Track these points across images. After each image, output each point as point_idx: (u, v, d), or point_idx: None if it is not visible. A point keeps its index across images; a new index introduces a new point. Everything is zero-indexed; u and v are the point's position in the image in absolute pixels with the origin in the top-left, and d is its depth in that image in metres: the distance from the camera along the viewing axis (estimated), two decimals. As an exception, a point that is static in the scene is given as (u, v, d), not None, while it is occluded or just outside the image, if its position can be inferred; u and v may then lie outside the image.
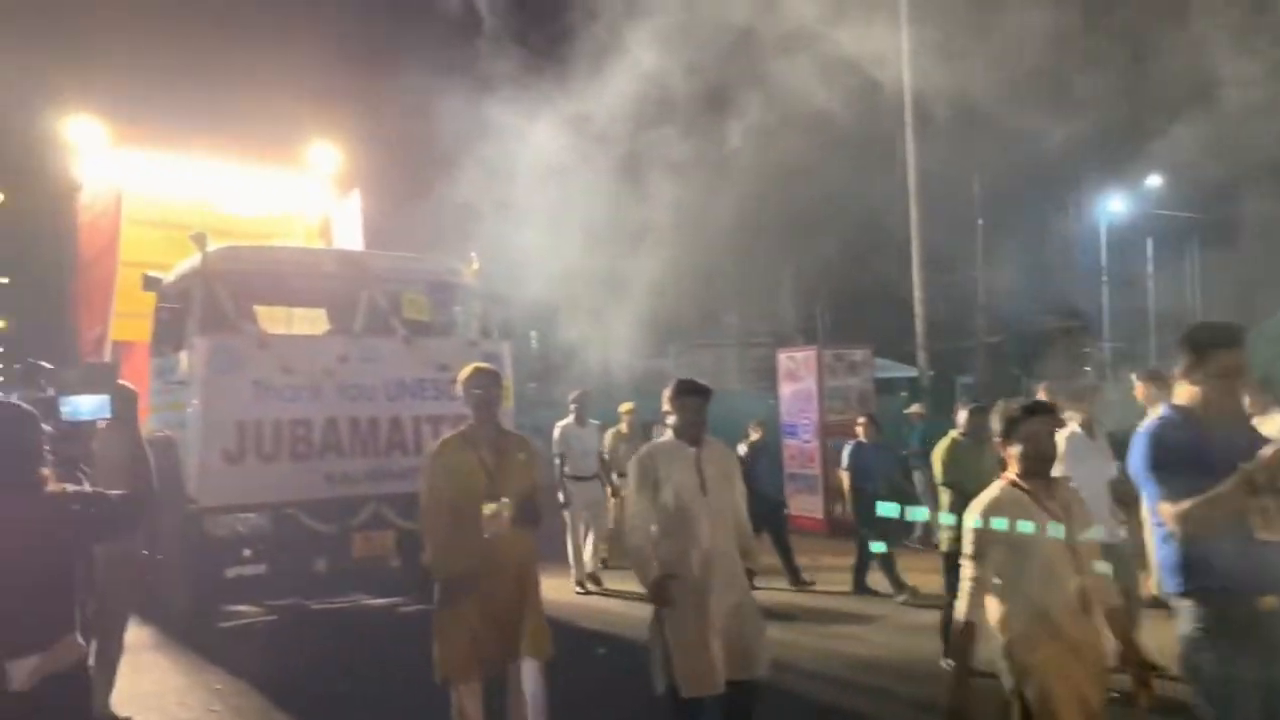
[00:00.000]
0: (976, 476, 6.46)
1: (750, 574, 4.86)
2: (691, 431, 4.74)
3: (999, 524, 3.29)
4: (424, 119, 12.81)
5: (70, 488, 3.33)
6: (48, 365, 9.23)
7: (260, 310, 9.34)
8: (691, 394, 4.77)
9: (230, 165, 12.27)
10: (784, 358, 15.79)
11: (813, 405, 14.63)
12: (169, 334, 8.80)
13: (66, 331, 12.02)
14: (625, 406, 11.61)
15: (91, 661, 4.23)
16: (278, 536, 8.10)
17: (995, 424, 3.56)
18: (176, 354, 8.54)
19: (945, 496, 6.81)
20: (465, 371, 5.09)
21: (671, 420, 4.79)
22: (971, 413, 7.02)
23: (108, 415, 3.72)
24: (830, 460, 13.69)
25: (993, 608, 3.35)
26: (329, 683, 7.09)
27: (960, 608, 3.33)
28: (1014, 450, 3.45)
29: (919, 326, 18.14)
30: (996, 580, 3.28)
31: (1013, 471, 3.47)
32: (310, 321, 10.03)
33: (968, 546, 3.34)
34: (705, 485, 4.65)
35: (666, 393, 4.82)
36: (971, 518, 3.37)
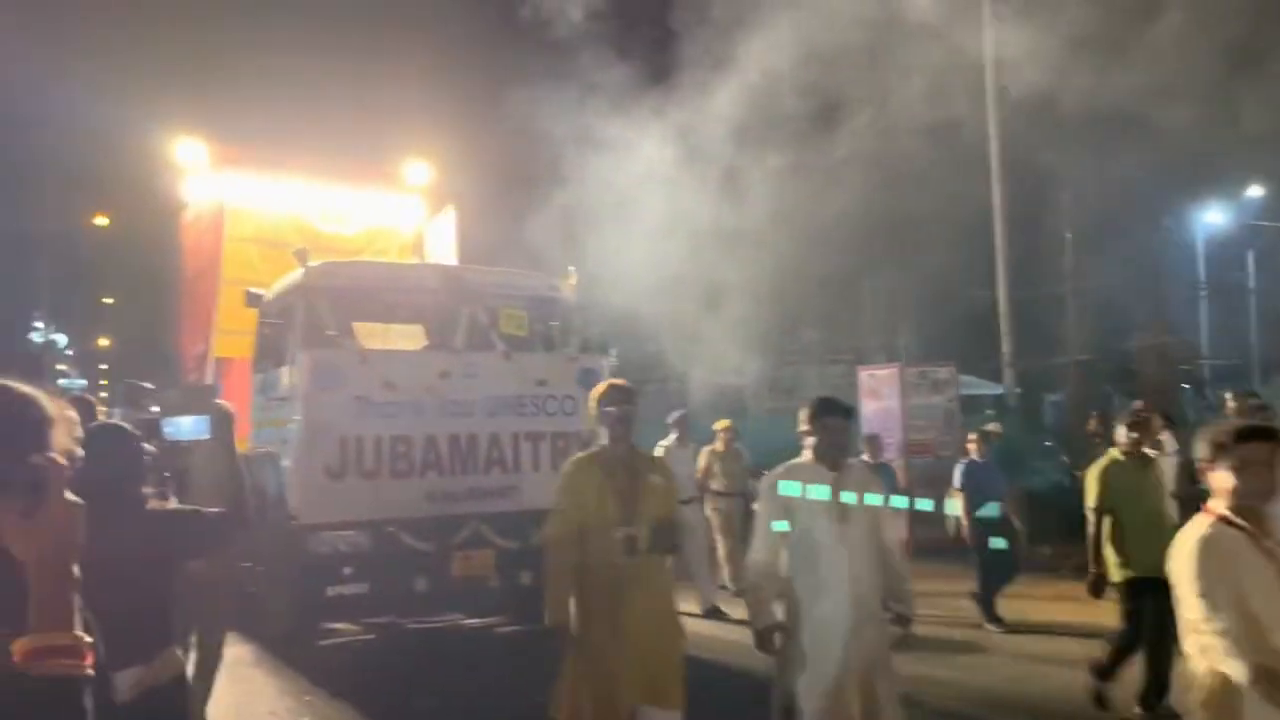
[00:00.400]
0: (1137, 502, 5.96)
1: (903, 621, 4.43)
2: (833, 455, 4.35)
3: (1220, 567, 2.86)
4: (516, 134, 12.68)
5: (170, 505, 3.49)
6: (149, 385, 9.26)
7: (357, 326, 9.20)
8: (834, 414, 4.39)
9: (327, 183, 12.26)
10: (865, 375, 15.41)
11: (896, 424, 14.18)
12: (271, 350, 8.71)
13: (169, 349, 12.08)
14: (721, 424, 11.24)
15: (190, 673, 4.35)
16: (378, 555, 7.90)
17: (1201, 448, 3.11)
18: (278, 370, 8.44)
19: (1103, 523, 6.08)
20: (599, 389, 4.76)
21: (811, 443, 4.39)
22: (1130, 425, 6.29)
23: (206, 435, 3.74)
24: (914, 480, 13.37)
25: (1208, 656, 2.90)
26: (419, 701, 6.90)
27: (1217, 665, 2.85)
28: (1225, 479, 3.01)
29: (1005, 343, 17.57)
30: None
31: (1222, 505, 3.03)
32: (406, 337, 9.88)
33: (1196, 591, 2.89)
34: (846, 513, 4.25)
35: (804, 412, 4.44)
36: (1190, 561, 2.92)
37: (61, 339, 47.44)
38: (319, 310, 8.16)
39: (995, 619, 8.76)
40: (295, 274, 8.45)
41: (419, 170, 12.59)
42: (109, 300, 45.45)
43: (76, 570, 1.52)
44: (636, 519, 4.42)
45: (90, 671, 1.50)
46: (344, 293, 8.35)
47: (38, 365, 38.16)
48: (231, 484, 3.66)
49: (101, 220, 37.79)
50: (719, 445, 11.09)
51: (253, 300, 9.25)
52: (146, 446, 3.69)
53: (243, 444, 10.59)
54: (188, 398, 3.81)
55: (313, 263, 8.32)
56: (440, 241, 12.23)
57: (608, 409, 4.61)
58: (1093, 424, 11.45)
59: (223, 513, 3.48)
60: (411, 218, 12.56)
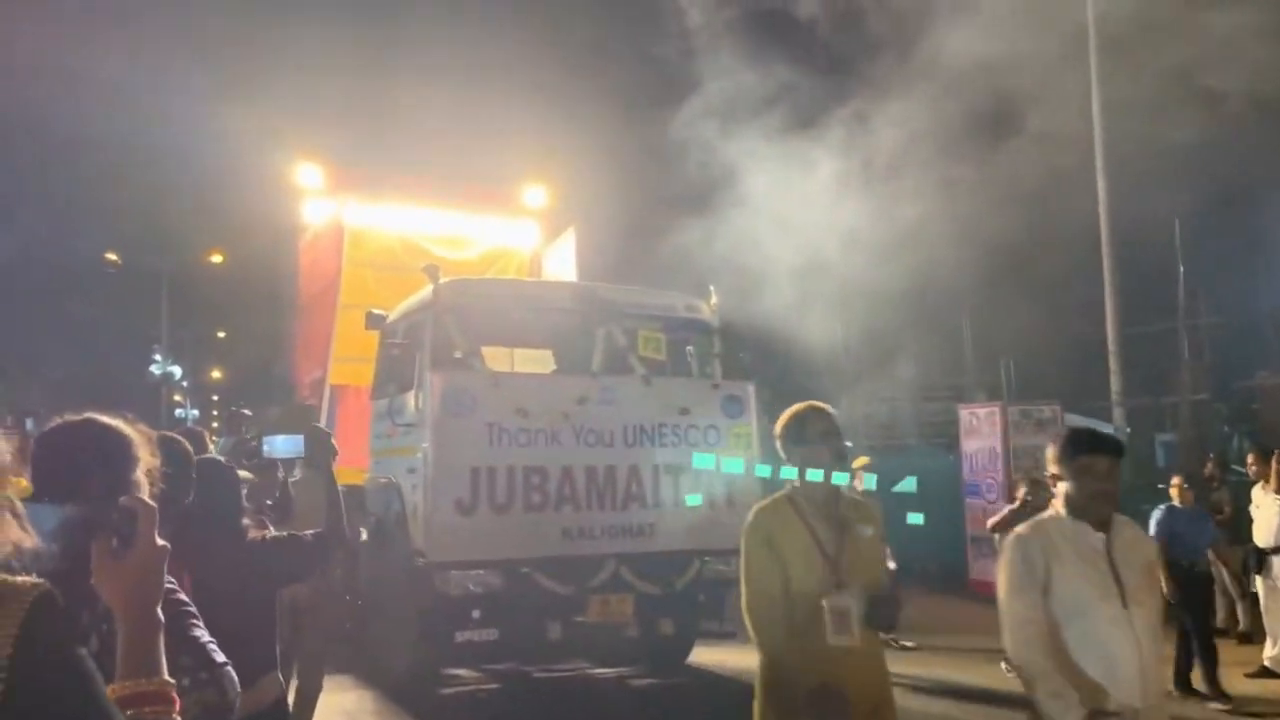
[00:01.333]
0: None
1: None
2: (1099, 508, 3.05)
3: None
4: (633, 157, 11.91)
5: (268, 533, 3.42)
6: (248, 412, 9.52)
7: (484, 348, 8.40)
8: (1099, 451, 3.08)
9: (443, 206, 11.64)
10: (965, 413, 14.52)
11: (997, 464, 13.32)
12: (394, 374, 7.95)
13: (284, 374, 11.50)
14: (860, 461, 10.14)
15: (291, 698, 4.33)
16: (510, 597, 7.01)
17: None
18: (403, 395, 7.66)
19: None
20: (796, 410, 3.57)
21: (1066, 488, 3.10)
22: None
23: (300, 453, 3.71)
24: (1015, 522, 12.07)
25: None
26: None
27: None
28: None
29: (1114, 380, 16.44)
30: None
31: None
32: (532, 361, 9.06)
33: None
34: (1124, 593, 2.99)
35: (1053, 450, 3.16)
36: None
37: (177, 371, 48.34)
38: (449, 330, 7.37)
39: (1221, 694, 7.36)
40: (423, 292, 7.70)
41: (536, 194, 11.92)
42: (221, 334, 46.29)
43: (161, 614, 1.46)
44: (848, 581, 3.29)
45: (178, 718, 1.42)
46: (475, 312, 7.55)
47: (156, 397, 38.89)
48: (328, 505, 3.58)
49: (217, 257, 38.43)
50: (856, 484, 9.96)
51: (374, 322, 8.55)
52: (244, 475, 3.78)
53: (359, 475, 9.91)
54: (285, 416, 4.13)
55: (443, 279, 7.52)
56: (560, 265, 11.49)
57: (807, 441, 3.41)
58: (1209, 467, 10.56)
59: (319, 534, 3.48)
60: (528, 241, 11.89)
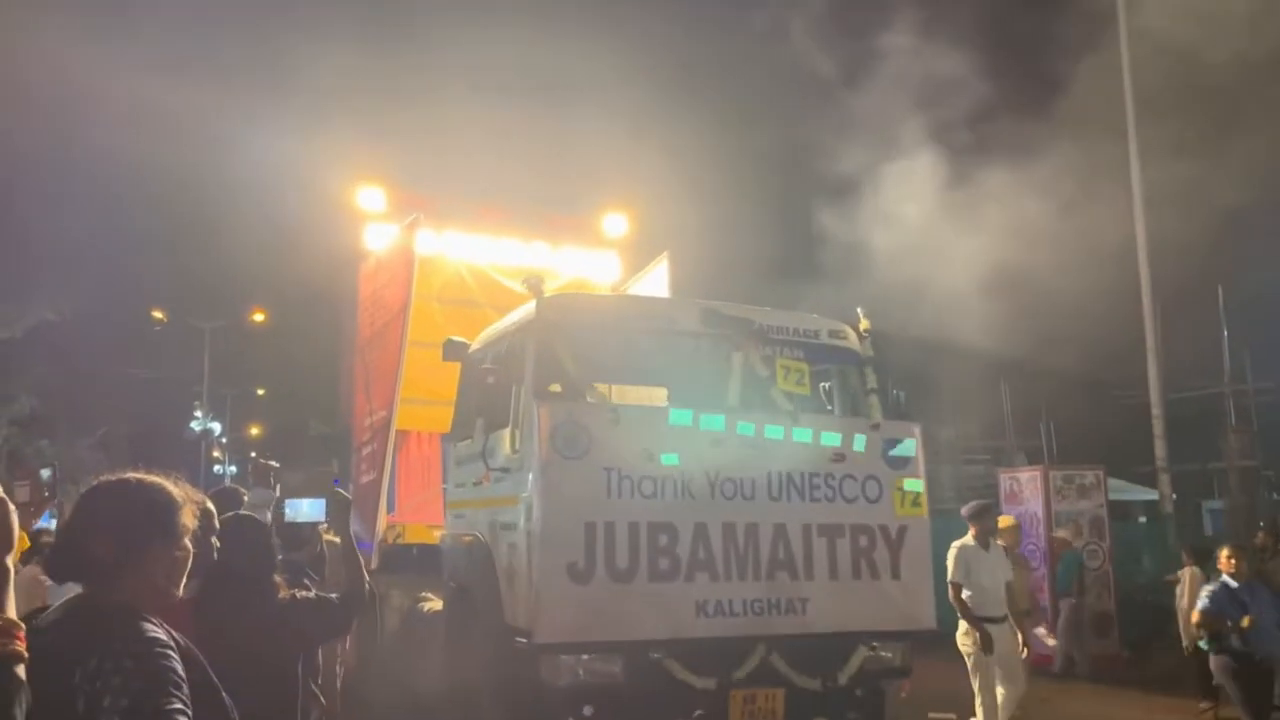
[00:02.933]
0: None
1: None
2: None
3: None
4: (719, 182, 10.40)
5: (299, 594, 3.30)
6: (275, 464, 8.31)
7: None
8: None
9: (516, 237, 10.13)
10: (1005, 478, 13.60)
11: (1039, 530, 12.41)
12: (483, 409, 6.31)
13: (342, 417, 9.87)
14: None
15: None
16: (634, 690, 5.28)
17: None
18: (495, 434, 5.99)
19: None
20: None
21: None
22: None
23: (323, 519, 3.63)
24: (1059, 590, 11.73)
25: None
26: None
27: None
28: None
29: (1159, 446, 15.34)
30: None
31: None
32: (638, 398, 7.39)
33: None
34: None
35: None
36: None
37: (217, 427, 47.37)
38: (556, 354, 5.72)
39: None
40: (523, 309, 6.10)
41: (617, 222, 10.41)
42: (261, 391, 45.17)
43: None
44: None
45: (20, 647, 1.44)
46: (587, 332, 5.92)
47: (195, 452, 37.75)
48: (348, 568, 3.51)
49: (259, 316, 37.63)
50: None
51: (454, 351, 6.96)
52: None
53: (426, 532, 8.22)
54: (308, 480, 3.64)
55: (547, 293, 5.91)
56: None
57: None
58: (1261, 536, 9.63)
59: (344, 596, 3.43)
60: (609, 274, 10.35)
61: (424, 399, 9.04)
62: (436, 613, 6.96)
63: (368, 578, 3.64)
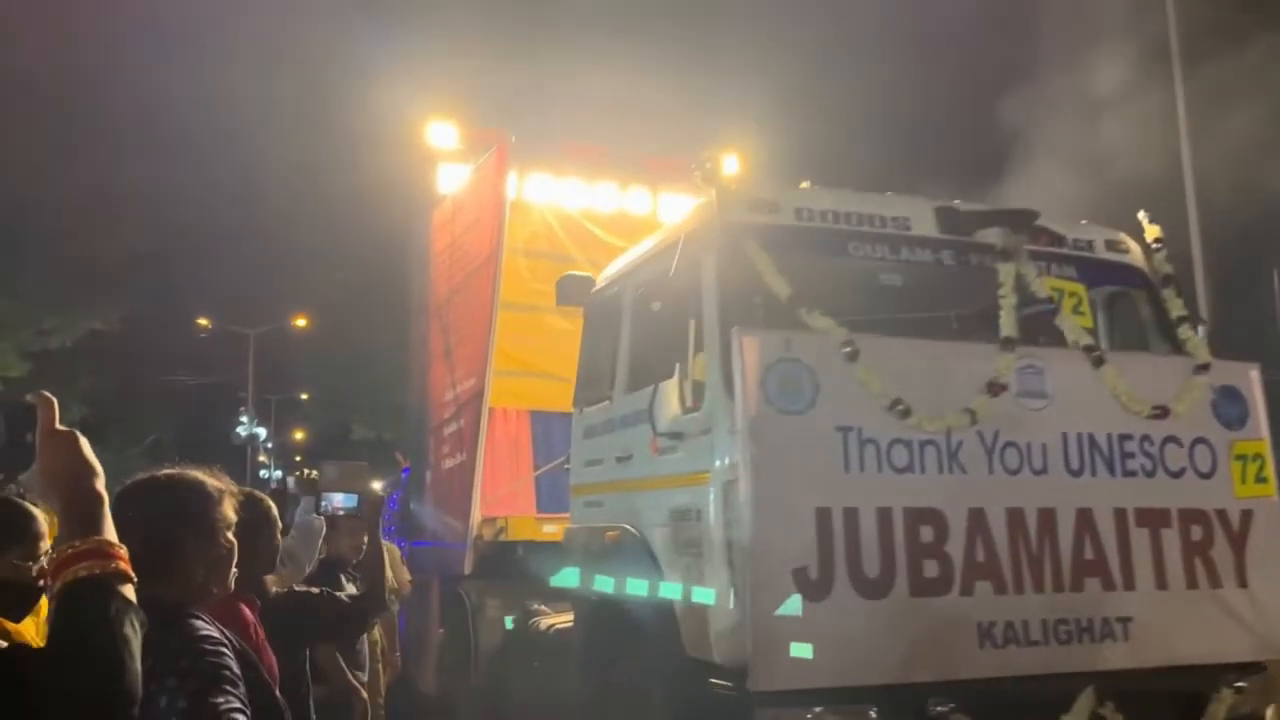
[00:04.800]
0: None
1: None
2: None
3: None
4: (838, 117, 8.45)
5: (298, 588, 3.18)
6: (315, 474, 6.72)
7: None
8: None
9: (613, 182, 8.22)
10: None
11: None
12: (622, 361, 4.40)
13: (415, 392, 8.03)
14: None
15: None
16: (905, 763, 3.30)
17: None
18: (659, 390, 4.07)
19: None
20: None
21: None
22: None
23: (356, 509, 3.56)
24: None
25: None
26: None
27: None
28: None
29: None
30: None
31: None
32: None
33: None
34: None
35: None
36: None
37: (262, 432, 46.34)
38: (751, 267, 3.80)
39: None
40: (693, 211, 4.22)
41: (727, 163, 8.46)
42: (304, 396, 43.99)
43: (102, 490, 1.37)
44: None
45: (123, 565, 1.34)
46: (794, 239, 3.98)
47: (242, 457, 36.90)
48: (369, 567, 3.33)
49: (302, 321, 36.64)
50: None
51: (573, 290, 5.10)
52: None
53: (532, 526, 6.36)
54: (343, 475, 3.97)
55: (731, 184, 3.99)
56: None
57: None
58: None
59: (358, 596, 3.31)
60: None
61: (511, 370, 7.23)
62: (562, 632, 5.07)
63: (401, 577, 3.64)
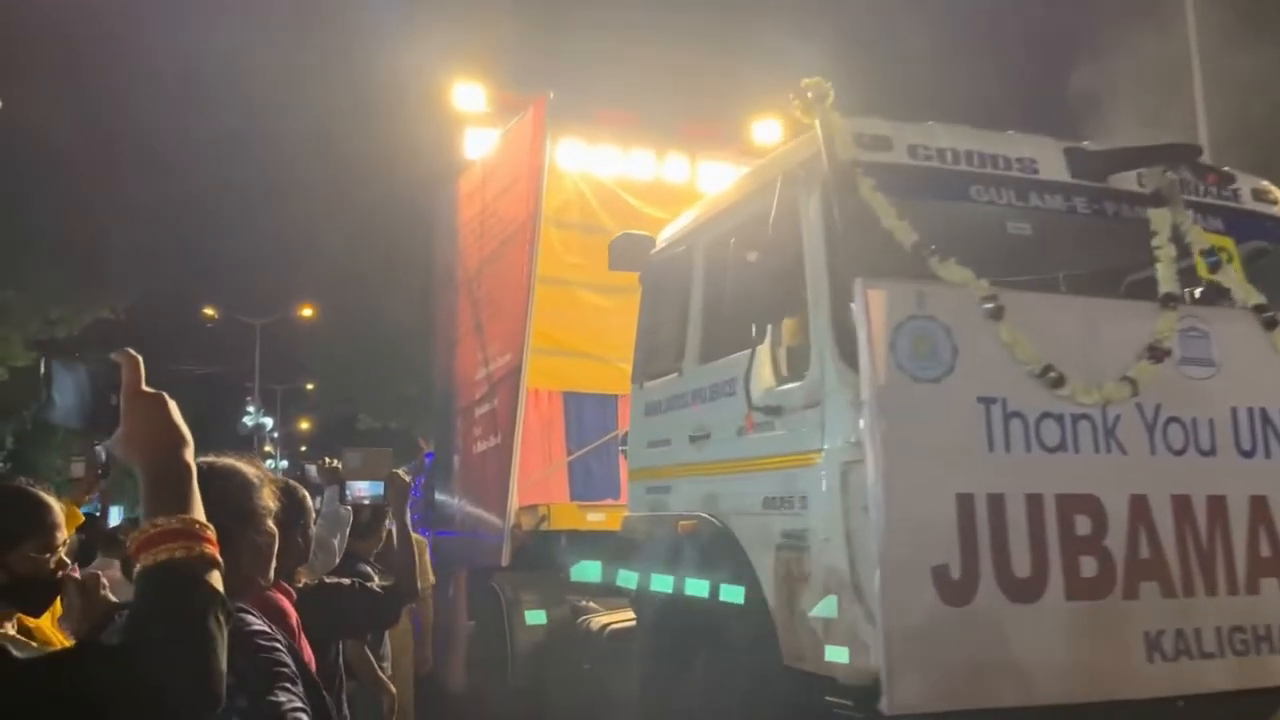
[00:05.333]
0: None
1: None
2: None
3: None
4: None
5: (329, 580, 2.99)
6: (337, 463, 5.13)
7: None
8: None
9: (649, 149, 7.59)
10: None
11: None
12: (693, 327, 3.79)
13: (441, 374, 7.44)
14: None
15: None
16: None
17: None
18: (749, 357, 3.46)
19: None
20: None
21: None
22: None
23: (380, 496, 3.43)
24: None
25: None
26: None
27: None
28: None
29: None
30: None
31: None
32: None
33: None
34: None
35: None
36: None
37: (269, 422, 45.90)
38: (866, 210, 3.18)
39: None
40: (791, 148, 3.60)
41: (770, 130, 7.82)
42: (310, 386, 43.59)
43: (190, 462, 1.27)
44: None
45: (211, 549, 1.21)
46: (908, 179, 3.35)
47: (249, 447, 36.76)
48: (400, 555, 3.18)
49: (308, 311, 36.16)
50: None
51: (629, 251, 4.49)
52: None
53: (574, 515, 5.76)
54: (366, 462, 3.51)
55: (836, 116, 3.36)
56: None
57: None
58: None
59: (389, 586, 3.15)
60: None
61: (542, 348, 6.63)
62: (620, 634, 4.47)
63: (425, 577, 3.69)
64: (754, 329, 3.38)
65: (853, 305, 2.93)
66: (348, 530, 3.59)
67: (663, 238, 4.51)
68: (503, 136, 6.73)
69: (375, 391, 29.68)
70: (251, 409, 41.68)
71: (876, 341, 2.87)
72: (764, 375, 3.41)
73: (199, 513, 1.20)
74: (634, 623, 4.31)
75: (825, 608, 2.98)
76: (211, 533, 1.20)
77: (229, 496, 1.67)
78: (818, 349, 3.18)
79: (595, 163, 7.38)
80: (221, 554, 1.49)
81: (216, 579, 1.17)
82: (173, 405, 1.26)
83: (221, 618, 1.14)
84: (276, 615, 1.95)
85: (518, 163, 6.29)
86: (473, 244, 6.96)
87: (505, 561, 5.56)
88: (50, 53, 13.88)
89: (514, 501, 5.62)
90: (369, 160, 12.67)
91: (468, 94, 7.32)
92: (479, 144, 7.22)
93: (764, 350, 3.42)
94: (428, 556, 5.78)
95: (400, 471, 3.49)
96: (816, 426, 3.13)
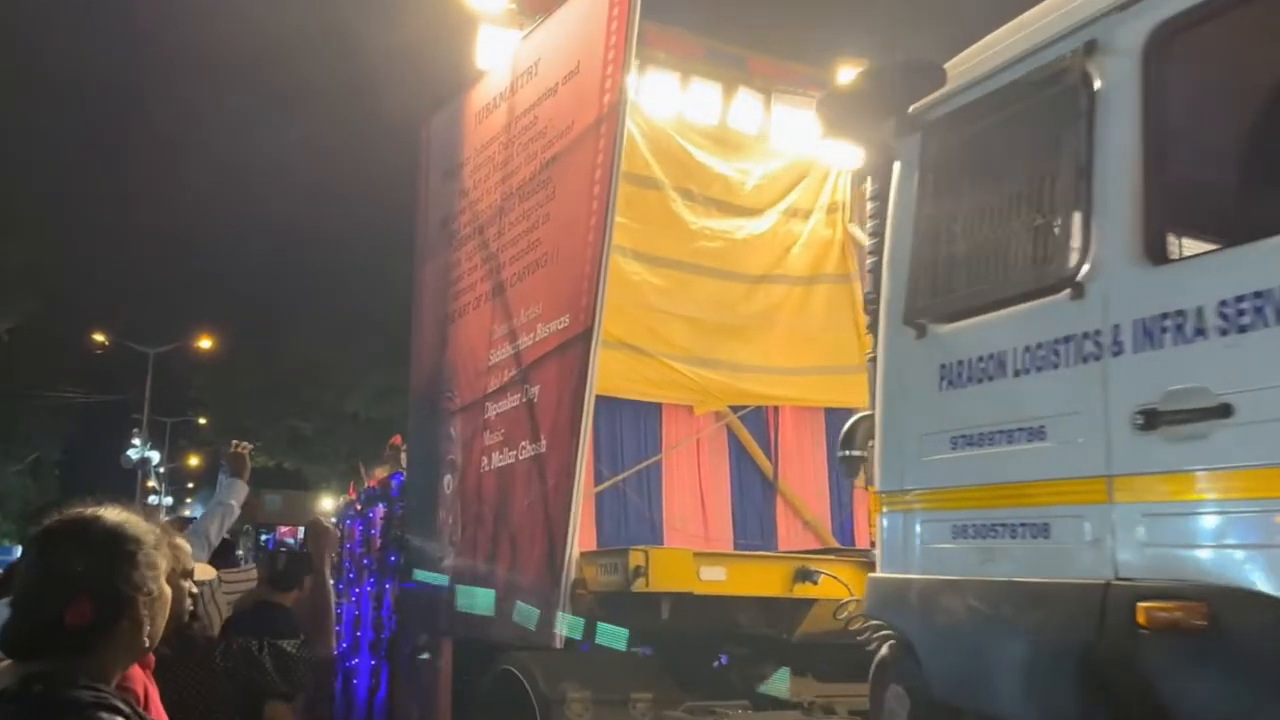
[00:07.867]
0: None
1: None
2: None
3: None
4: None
5: (239, 641, 2.85)
6: (251, 446, 5.34)
7: None
8: None
9: (715, 81, 5.54)
10: None
11: None
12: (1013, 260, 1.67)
13: (421, 361, 5.11)
14: None
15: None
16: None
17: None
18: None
19: None
20: None
21: None
22: None
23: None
24: None
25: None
26: None
27: None
28: None
29: None
30: None
31: None
32: None
33: None
34: None
35: None
36: None
37: (155, 456, 41.65)
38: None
39: None
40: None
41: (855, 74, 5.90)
42: (203, 420, 39.72)
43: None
44: None
45: None
46: None
47: (131, 480, 32.86)
48: (317, 612, 2.92)
49: (206, 342, 33.26)
50: None
51: (878, 94, 2.36)
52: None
53: (683, 570, 3.48)
54: (287, 504, 1.63)
55: None
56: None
57: None
58: None
59: (302, 646, 2.92)
60: (842, 153, 5.83)
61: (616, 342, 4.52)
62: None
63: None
64: None
65: None
66: (231, 521, 3.25)
67: (972, 65, 2.40)
68: (552, 20, 4.51)
69: (271, 428, 26.68)
70: (137, 442, 37.53)
71: None
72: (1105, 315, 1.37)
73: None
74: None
75: None
76: None
77: (132, 556, 1.39)
78: None
79: (646, 95, 5.29)
80: (122, 623, 1.35)
81: None
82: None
83: None
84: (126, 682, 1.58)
85: (588, 40, 4.08)
86: (489, 177, 4.67)
87: (560, 640, 3.23)
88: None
89: (575, 545, 3.31)
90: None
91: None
92: (497, 48, 5.00)
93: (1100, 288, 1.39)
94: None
95: (324, 518, 3.07)
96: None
